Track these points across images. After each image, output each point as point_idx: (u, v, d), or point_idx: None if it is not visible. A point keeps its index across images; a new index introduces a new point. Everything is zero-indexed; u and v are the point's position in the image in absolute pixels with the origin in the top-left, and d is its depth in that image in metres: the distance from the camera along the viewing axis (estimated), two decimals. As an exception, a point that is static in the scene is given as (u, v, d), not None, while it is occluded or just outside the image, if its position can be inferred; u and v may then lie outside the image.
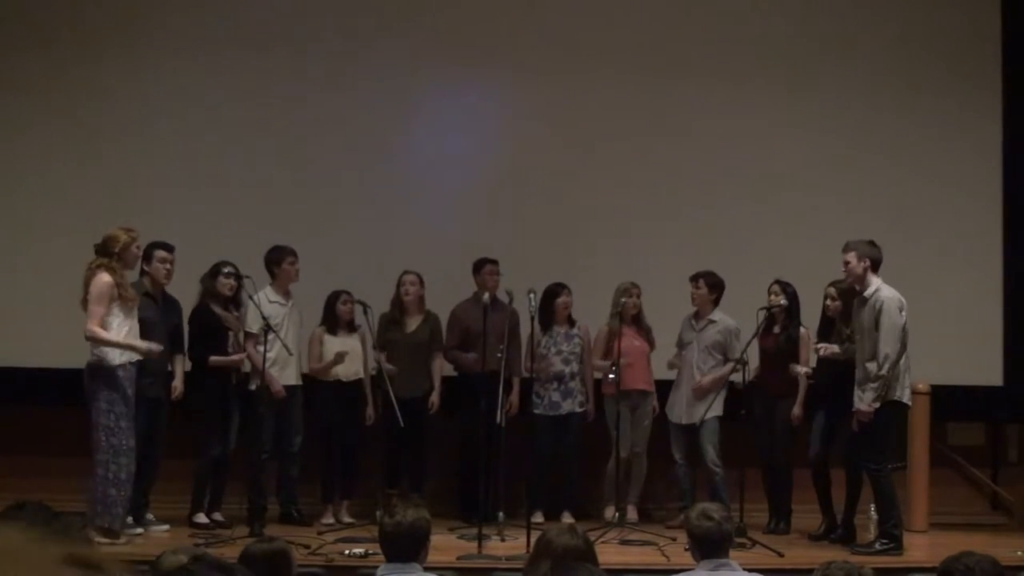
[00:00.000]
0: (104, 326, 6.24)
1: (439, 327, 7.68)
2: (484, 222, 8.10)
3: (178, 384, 6.99)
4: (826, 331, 7.04)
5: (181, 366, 7.05)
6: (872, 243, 6.68)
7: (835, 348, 6.81)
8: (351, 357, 7.38)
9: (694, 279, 7.50)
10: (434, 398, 7.59)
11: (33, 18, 8.12)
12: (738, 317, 7.50)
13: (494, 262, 7.58)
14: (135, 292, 6.47)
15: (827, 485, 7.06)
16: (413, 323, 7.60)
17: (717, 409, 7.34)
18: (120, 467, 6.23)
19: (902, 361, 6.55)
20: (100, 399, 6.23)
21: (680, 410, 7.50)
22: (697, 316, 7.58)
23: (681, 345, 7.62)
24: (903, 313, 6.55)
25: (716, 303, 7.53)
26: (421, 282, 7.56)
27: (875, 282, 6.61)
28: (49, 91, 8.07)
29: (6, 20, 8.11)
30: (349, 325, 7.45)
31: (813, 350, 6.98)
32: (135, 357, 6.36)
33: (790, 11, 8.38)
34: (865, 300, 6.62)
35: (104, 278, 6.25)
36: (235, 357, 7.10)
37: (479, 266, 7.61)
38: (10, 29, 8.12)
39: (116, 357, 6.27)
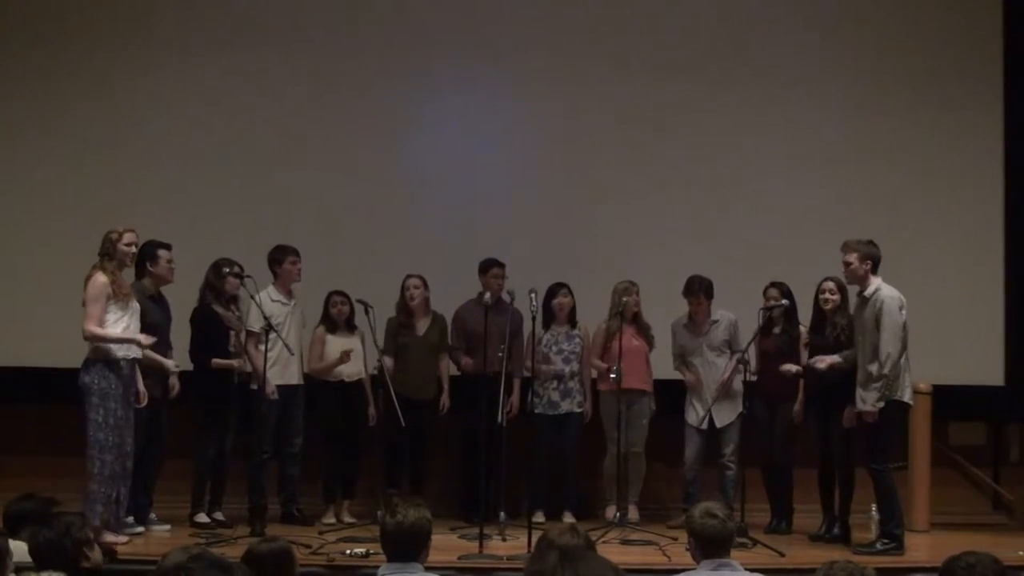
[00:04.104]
0: (101, 324, 6.24)
1: (447, 328, 7.69)
2: (486, 222, 8.09)
3: (175, 382, 6.95)
4: (819, 325, 7.02)
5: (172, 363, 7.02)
6: (871, 242, 6.67)
7: (835, 359, 6.75)
8: (354, 355, 7.38)
9: (692, 295, 7.49)
10: (444, 399, 7.61)
11: (32, 18, 8.13)
12: (736, 315, 7.56)
13: (501, 265, 7.56)
14: (130, 290, 6.45)
15: (830, 485, 7.06)
16: (423, 326, 7.60)
17: (740, 405, 7.37)
18: (105, 463, 6.18)
19: (902, 360, 6.54)
20: (93, 394, 6.21)
21: (704, 415, 7.46)
22: (695, 322, 7.59)
23: (685, 353, 7.61)
24: (903, 311, 6.53)
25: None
26: (425, 284, 7.57)
27: (875, 282, 6.60)
28: (48, 91, 8.08)
29: (5, 20, 8.12)
30: (348, 324, 7.45)
31: (812, 364, 6.85)
32: (133, 353, 6.35)
33: (790, 9, 8.37)
34: (866, 300, 6.61)
35: (99, 278, 6.25)
36: (236, 361, 7.08)
37: (486, 268, 7.59)
38: (9, 29, 8.13)
39: (114, 352, 6.25)
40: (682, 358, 7.62)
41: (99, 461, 6.18)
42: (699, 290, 7.48)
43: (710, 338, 7.55)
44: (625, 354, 7.23)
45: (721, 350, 7.54)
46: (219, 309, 7.10)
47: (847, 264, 6.63)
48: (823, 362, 6.76)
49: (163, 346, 6.79)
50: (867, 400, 6.51)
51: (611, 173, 8.20)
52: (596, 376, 7.65)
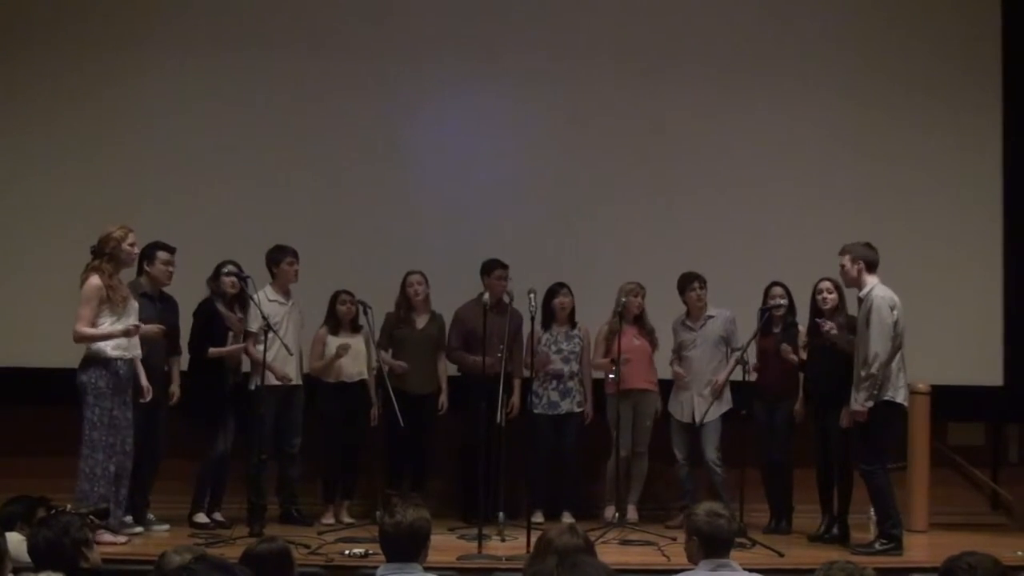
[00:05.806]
0: (91, 326, 6.20)
1: (445, 326, 7.69)
2: (486, 223, 8.09)
3: (175, 390, 6.98)
4: (815, 324, 7.03)
5: (178, 369, 7.04)
6: (868, 245, 6.68)
7: (834, 327, 6.77)
8: (356, 355, 7.37)
9: (692, 283, 7.51)
10: (443, 399, 7.62)
11: (33, 17, 8.12)
12: (734, 313, 7.58)
13: (504, 267, 7.55)
14: (128, 291, 6.43)
15: (829, 485, 7.06)
16: (422, 321, 7.61)
17: (726, 404, 7.40)
18: (96, 463, 6.16)
19: (895, 361, 6.53)
20: (88, 393, 6.20)
21: (690, 409, 7.48)
22: (692, 317, 7.60)
23: (681, 348, 7.62)
24: (895, 312, 6.52)
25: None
26: (426, 281, 7.58)
27: (870, 282, 6.61)
28: (49, 91, 8.07)
29: (6, 19, 8.11)
30: (352, 325, 7.45)
31: (818, 321, 6.85)
32: (130, 353, 6.33)
33: (790, 11, 8.37)
34: (861, 301, 6.63)
35: (93, 281, 6.22)
36: (234, 347, 7.06)
37: (489, 269, 7.57)
38: (10, 29, 8.12)
39: (110, 351, 6.24)
40: (677, 353, 7.64)
41: (91, 460, 6.16)
42: (693, 279, 7.51)
43: (706, 333, 7.56)
44: (627, 354, 7.25)
45: (717, 346, 7.55)
46: (222, 308, 7.10)
47: (841, 267, 6.68)
48: (826, 324, 6.77)
49: (165, 345, 6.81)
50: (857, 400, 6.51)
51: (611, 174, 8.20)
52: (602, 376, 7.63)
